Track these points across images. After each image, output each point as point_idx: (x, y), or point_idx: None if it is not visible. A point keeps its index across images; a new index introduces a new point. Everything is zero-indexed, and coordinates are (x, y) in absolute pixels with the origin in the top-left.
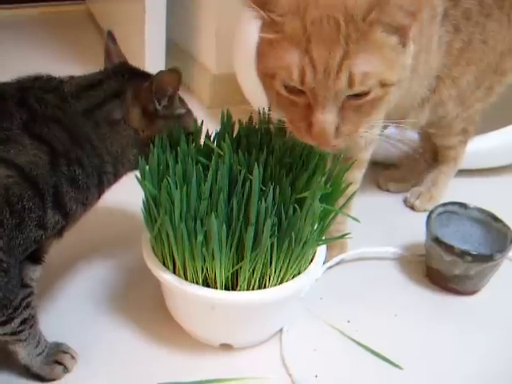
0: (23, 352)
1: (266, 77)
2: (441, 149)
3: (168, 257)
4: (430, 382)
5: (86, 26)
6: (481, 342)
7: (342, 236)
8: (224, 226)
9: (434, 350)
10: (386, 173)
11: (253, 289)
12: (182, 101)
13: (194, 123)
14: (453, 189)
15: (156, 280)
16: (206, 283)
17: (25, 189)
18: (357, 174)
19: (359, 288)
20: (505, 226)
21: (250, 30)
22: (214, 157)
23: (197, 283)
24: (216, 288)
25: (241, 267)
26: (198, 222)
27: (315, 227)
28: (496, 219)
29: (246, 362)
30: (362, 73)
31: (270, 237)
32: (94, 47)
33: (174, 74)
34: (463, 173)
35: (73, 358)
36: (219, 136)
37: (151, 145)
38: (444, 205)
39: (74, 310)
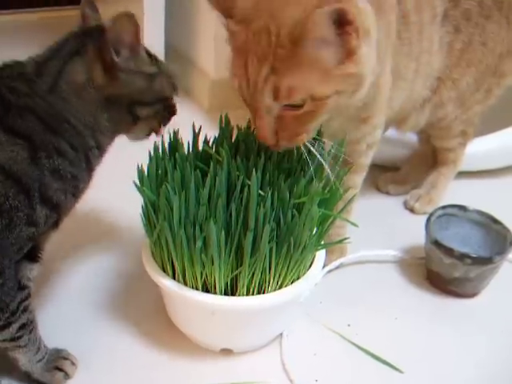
0: (23, 359)
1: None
2: (440, 151)
3: (167, 262)
4: None
5: None
6: (481, 344)
7: (341, 241)
8: (223, 231)
9: (435, 353)
10: (386, 175)
11: (252, 294)
12: (155, 60)
13: (170, 88)
14: (452, 191)
15: (156, 285)
16: (206, 289)
17: (8, 187)
18: (357, 179)
19: (359, 291)
20: (504, 228)
21: None
22: (212, 162)
23: (196, 289)
24: (215, 293)
25: (240, 272)
26: (197, 227)
27: (314, 232)
28: (495, 221)
29: (247, 366)
30: (287, 88)
31: (269, 242)
32: None
33: (126, 19)
34: (462, 175)
35: (73, 364)
36: (218, 141)
37: (128, 109)
38: (443, 207)
39: (74, 316)
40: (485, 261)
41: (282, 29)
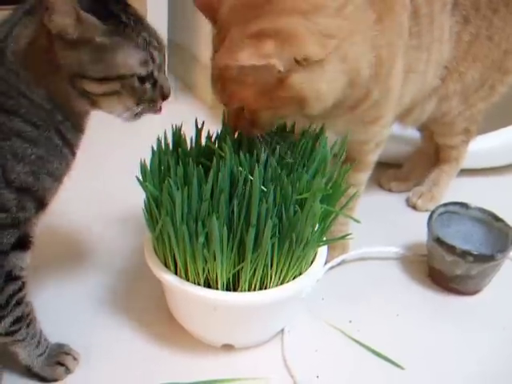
0: (23, 353)
1: None
2: (443, 148)
3: (169, 258)
4: (432, 382)
5: None
6: (482, 341)
7: (343, 237)
8: (225, 227)
9: (436, 350)
10: (389, 172)
11: (254, 290)
12: (117, 29)
13: (138, 64)
14: (454, 188)
15: (157, 281)
16: (208, 284)
17: None
18: (362, 177)
19: (361, 288)
20: (506, 225)
21: None
22: (215, 158)
23: (198, 284)
24: (217, 289)
25: (242, 268)
26: (200, 223)
27: (316, 228)
28: (497, 219)
29: (248, 362)
30: (228, 95)
31: (271, 238)
32: None
33: None
34: (464, 172)
35: (75, 359)
36: (220, 137)
37: (70, 82)
38: (445, 205)
39: (75, 311)
40: (486, 258)
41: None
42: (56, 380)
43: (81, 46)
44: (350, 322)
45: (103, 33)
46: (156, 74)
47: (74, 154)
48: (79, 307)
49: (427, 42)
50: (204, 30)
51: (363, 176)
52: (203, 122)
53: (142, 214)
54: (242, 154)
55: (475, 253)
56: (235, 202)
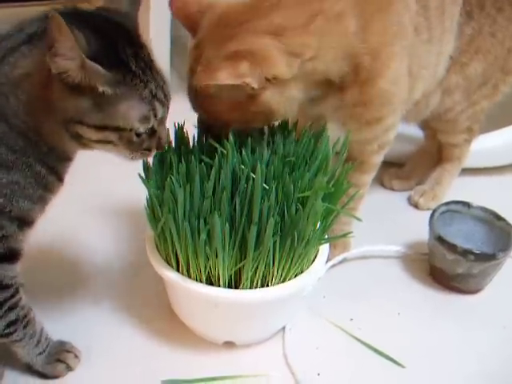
0: (22, 352)
1: None
2: (445, 147)
3: (171, 255)
4: (433, 381)
5: None
6: (483, 340)
7: (345, 235)
8: (227, 224)
9: (437, 349)
10: (391, 171)
11: (256, 287)
12: (124, 79)
13: (140, 119)
14: (456, 187)
15: (159, 278)
16: (209, 281)
17: None
18: (366, 178)
19: (362, 286)
20: (508, 224)
21: None
22: (217, 156)
23: (200, 281)
24: (219, 286)
25: (244, 265)
26: (202, 220)
27: (317, 226)
28: (499, 218)
29: (249, 359)
30: (202, 109)
31: (273, 235)
32: None
33: (55, 24)
34: (467, 172)
35: (76, 356)
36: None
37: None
38: (447, 204)
39: (77, 307)
40: (488, 257)
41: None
42: (57, 377)
43: (81, 92)
44: (351, 320)
45: (107, 82)
46: (156, 126)
47: (61, 180)
48: (80, 304)
49: (438, 33)
50: None
51: (367, 177)
52: None
53: (144, 211)
54: (244, 152)
55: (477, 252)
56: (237, 199)
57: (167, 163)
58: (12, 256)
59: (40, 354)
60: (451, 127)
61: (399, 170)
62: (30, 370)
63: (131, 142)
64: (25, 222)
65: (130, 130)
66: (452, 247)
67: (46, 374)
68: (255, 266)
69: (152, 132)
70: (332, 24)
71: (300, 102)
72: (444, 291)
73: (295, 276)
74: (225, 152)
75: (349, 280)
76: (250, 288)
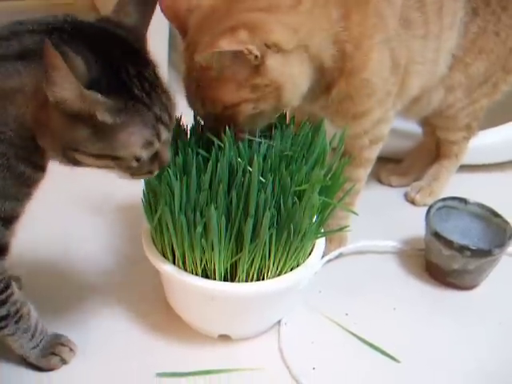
0: (15, 345)
1: None
2: (444, 143)
3: (167, 248)
4: (427, 376)
5: (88, 14)
6: (479, 336)
7: (341, 229)
8: (223, 217)
9: (432, 344)
10: (388, 167)
11: (251, 280)
12: (125, 106)
13: (142, 145)
14: (453, 184)
15: (155, 271)
16: (205, 274)
17: None
18: (360, 173)
19: (358, 281)
20: (504, 221)
21: None
22: (214, 148)
23: (196, 274)
24: (215, 279)
25: (240, 258)
26: (198, 213)
27: (314, 220)
28: (495, 214)
29: (244, 353)
30: (210, 100)
31: (269, 228)
32: None
33: (52, 56)
34: (464, 168)
35: (71, 350)
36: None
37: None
38: (443, 200)
39: (73, 301)
40: (484, 253)
41: (195, 53)
42: (51, 370)
43: (80, 120)
44: (347, 314)
45: (107, 110)
46: (159, 148)
47: (44, 171)
48: (76, 298)
49: (436, 29)
50: None
51: (361, 172)
52: None
53: (141, 204)
54: (241, 145)
55: (473, 247)
56: (234, 192)
57: None
58: None
59: (34, 347)
60: (451, 124)
61: (397, 166)
62: (24, 362)
63: (131, 168)
64: (9, 220)
65: (131, 158)
66: (448, 243)
67: (41, 367)
68: (251, 258)
69: (154, 155)
70: (319, 7)
71: (302, 90)
72: (440, 287)
73: (291, 269)
74: (222, 145)
75: (345, 275)
76: (246, 281)
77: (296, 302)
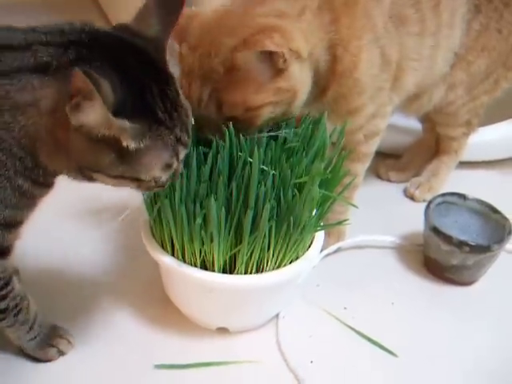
0: (13, 336)
1: None
2: (443, 139)
3: (167, 239)
4: (425, 370)
5: (90, 11)
6: (477, 331)
7: (341, 222)
8: (223, 208)
9: (430, 339)
10: (387, 162)
11: (250, 273)
12: (149, 129)
13: (162, 168)
14: (452, 180)
15: (155, 263)
16: (204, 266)
17: None
18: (358, 167)
19: (356, 276)
20: (503, 217)
21: None
22: (214, 140)
23: (195, 266)
24: (214, 271)
25: (239, 250)
26: (198, 204)
27: (314, 213)
28: (495, 211)
29: (242, 346)
30: (229, 103)
31: (269, 221)
32: None
33: (81, 81)
34: (463, 165)
35: (69, 342)
36: None
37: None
38: (443, 195)
39: (71, 293)
40: (483, 249)
41: (219, 56)
42: (48, 361)
43: (103, 145)
44: (345, 308)
45: (132, 135)
46: (176, 167)
47: (49, 186)
48: (75, 290)
49: (433, 26)
50: None
51: (358, 166)
52: None
53: (140, 195)
54: (241, 137)
55: (472, 243)
56: (234, 184)
57: None
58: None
59: (31, 339)
60: (451, 120)
61: (396, 162)
62: (22, 353)
63: (149, 188)
64: (11, 226)
65: (152, 179)
66: (447, 238)
67: (38, 359)
68: (250, 250)
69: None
70: (315, 17)
71: (306, 96)
72: (438, 282)
73: (290, 262)
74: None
75: (343, 269)
76: (245, 274)
77: (294, 296)
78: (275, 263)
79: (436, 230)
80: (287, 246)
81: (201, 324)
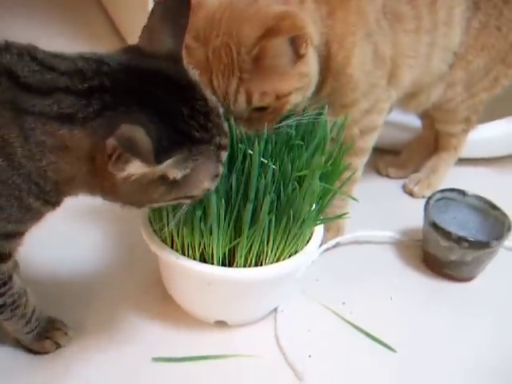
0: (10, 328)
1: None
2: (443, 136)
3: (166, 231)
4: (423, 366)
5: (90, 5)
6: (475, 327)
7: (341, 216)
8: (223, 201)
9: (428, 335)
10: (387, 158)
11: (249, 266)
12: (190, 153)
13: (211, 178)
14: (451, 177)
15: (154, 256)
16: (203, 259)
17: None
18: (356, 161)
19: (355, 271)
20: (502, 213)
21: None
22: None
23: (194, 259)
24: (213, 264)
25: (238, 243)
26: None
27: (314, 207)
28: (494, 207)
29: (241, 339)
30: (259, 92)
31: (268, 214)
32: (97, 27)
33: (133, 131)
34: (463, 162)
35: (66, 334)
36: None
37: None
38: (442, 191)
39: (69, 285)
40: (482, 245)
41: (243, 47)
42: (45, 353)
43: (151, 185)
44: (344, 303)
45: (176, 167)
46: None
47: (57, 205)
48: (73, 282)
49: (429, 24)
50: None
51: (356, 161)
52: None
53: None
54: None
55: (471, 239)
56: (234, 176)
57: None
58: (2, 257)
59: (28, 333)
60: (450, 117)
61: (395, 158)
62: (19, 344)
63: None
64: (12, 236)
65: (203, 191)
66: (446, 234)
67: (34, 350)
68: (250, 244)
69: None
70: (315, 8)
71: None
72: (437, 278)
73: (289, 256)
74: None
75: (342, 264)
76: (244, 267)
77: (293, 290)
78: (274, 257)
79: (435, 226)
80: (287, 239)
81: (199, 317)
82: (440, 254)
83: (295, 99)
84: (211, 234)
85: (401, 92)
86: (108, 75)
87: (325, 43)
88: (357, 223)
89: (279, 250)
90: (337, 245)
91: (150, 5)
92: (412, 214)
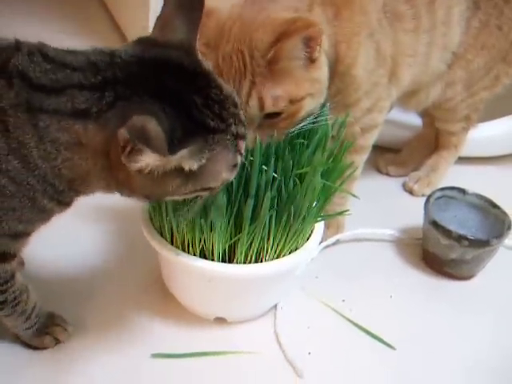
0: (9, 324)
1: None
2: (443, 134)
3: (166, 228)
4: (422, 363)
5: (90, 1)
6: (474, 325)
7: (342, 213)
8: (224, 197)
9: (428, 332)
10: (387, 156)
11: (249, 262)
12: (206, 143)
13: (229, 169)
14: (451, 175)
15: (153, 253)
16: (203, 255)
17: None
18: (356, 158)
19: (355, 268)
20: (502, 212)
21: None
22: None
23: (194, 255)
24: (213, 260)
25: (238, 240)
26: None
27: (314, 203)
28: (494, 205)
29: (240, 336)
30: (272, 97)
31: (269, 210)
32: (97, 23)
33: (146, 121)
34: (462, 160)
35: (66, 330)
36: None
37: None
38: (442, 189)
39: (69, 281)
40: (482, 243)
41: (256, 51)
42: (44, 349)
43: (166, 177)
44: (343, 301)
45: (192, 158)
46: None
47: (69, 205)
48: (74, 277)
49: (428, 23)
50: None
51: (356, 158)
52: None
53: None
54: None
55: (471, 237)
56: None
57: None
58: (3, 258)
59: (28, 328)
60: (450, 115)
61: (396, 156)
62: (18, 339)
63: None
64: (19, 236)
65: (221, 183)
66: (447, 232)
67: (34, 346)
68: (250, 240)
69: None
70: (322, 12)
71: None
72: (437, 276)
73: (289, 253)
74: None
75: (342, 261)
76: (244, 263)
77: (293, 287)
78: (274, 253)
79: (435, 224)
80: (287, 236)
81: (199, 314)
82: (440, 252)
83: (308, 105)
84: (211, 230)
85: (401, 90)
86: (120, 67)
87: (333, 45)
88: (357, 221)
89: (279, 247)
90: (337, 242)
91: (150, 1)
92: (412, 212)
